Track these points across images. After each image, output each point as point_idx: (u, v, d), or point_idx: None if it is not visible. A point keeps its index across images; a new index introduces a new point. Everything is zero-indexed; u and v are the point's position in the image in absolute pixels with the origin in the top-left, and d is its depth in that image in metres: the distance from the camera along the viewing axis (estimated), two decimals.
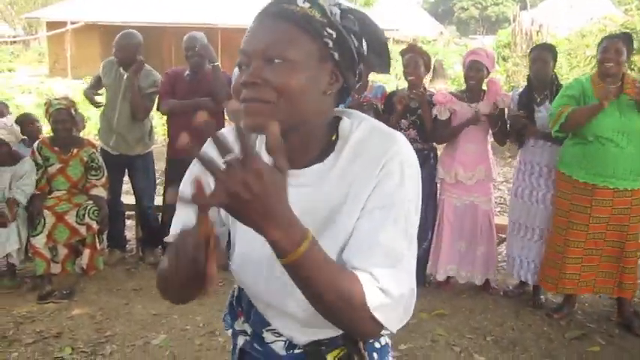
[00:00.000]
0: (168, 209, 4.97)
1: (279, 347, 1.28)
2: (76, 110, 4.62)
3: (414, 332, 3.89)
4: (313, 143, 1.19)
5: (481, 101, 4.42)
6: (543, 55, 4.34)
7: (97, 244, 4.52)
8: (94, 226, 4.45)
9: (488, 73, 4.50)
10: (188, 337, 3.81)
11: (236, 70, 1.18)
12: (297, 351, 1.27)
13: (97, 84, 5.13)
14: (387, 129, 1.21)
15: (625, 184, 3.83)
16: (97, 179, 4.62)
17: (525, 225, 4.37)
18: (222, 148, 0.88)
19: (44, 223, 4.34)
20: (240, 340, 1.36)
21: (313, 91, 1.13)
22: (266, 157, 1.03)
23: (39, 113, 10.67)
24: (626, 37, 3.93)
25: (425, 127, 4.51)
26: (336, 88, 1.17)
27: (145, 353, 3.62)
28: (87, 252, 4.48)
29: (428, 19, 41.38)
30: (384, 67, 1.24)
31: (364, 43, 1.19)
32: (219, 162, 0.88)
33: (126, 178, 5.26)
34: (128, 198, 5.37)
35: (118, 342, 3.74)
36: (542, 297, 4.43)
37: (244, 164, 0.87)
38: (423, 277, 4.65)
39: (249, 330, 1.34)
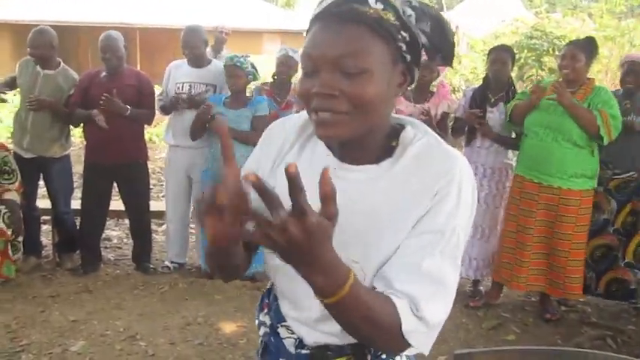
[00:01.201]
0: (86, 215, 4.88)
1: (289, 344, 1.29)
2: None
3: None
4: (372, 144, 1.17)
5: (427, 103, 4.46)
6: (502, 56, 4.39)
7: (10, 252, 4.35)
8: (8, 232, 4.29)
9: (438, 74, 4.57)
10: (108, 343, 3.73)
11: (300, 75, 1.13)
12: (304, 351, 1.27)
13: (11, 83, 4.94)
14: (450, 148, 1.18)
15: (550, 181, 3.91)
16: (9, 183, 4.45)
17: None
18: (271, 201, 0.84)
19: None
20: (262, 331, 1.38)
21: (386, 96, 1.11)
22: (323, 150, 1.14)
23: None
24: (586, 43, 3.98)
25: None
26: (404, 88, 1.16)
27: None
28: None
29: None
30: (450, 63, 1.23)
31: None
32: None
33: (41, 182, 5.09)
34: (44, 202, 5.20)
35: (34, 351, 3.62)
36: (481, 288, 4.57)
37: (296, 222, 0.84)
38: None
39: (268, 322, 1.35)
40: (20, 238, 4.49)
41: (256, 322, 1.42)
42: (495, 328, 4.07)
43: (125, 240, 5.76)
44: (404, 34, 1.09)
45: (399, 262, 1.09)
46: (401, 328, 1.04)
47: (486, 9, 24.50)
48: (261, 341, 1.39)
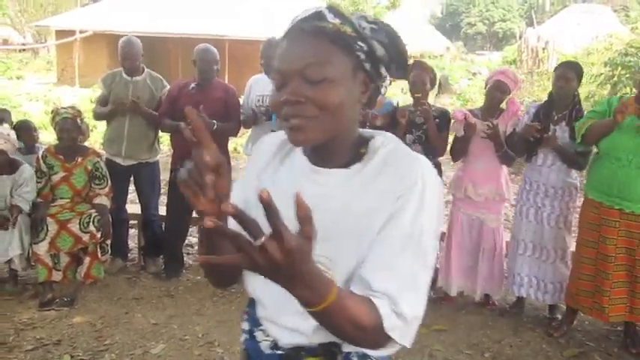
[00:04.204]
0: (171, 222, 5.04)
1: (265, 346, 1.37)
2: (82, 119, 4.66)
3: (412, 347, 3.89)
4: (342, 150, 1.27)
5: (496, 119, 4.40)
6: (568, 73, 4.22)
7: (99, 253, 4.54)
8: (98, 235, 4.47)
9: (509, 93, 4.52)
10: (187, 347, 3.83)
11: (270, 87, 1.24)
12: (278, 352, 1.34)
13: (104, 100, 5.11)
14: (415, 153, 1.27)
15: (632, 207, 3.74)
16: (100, 188, 4.65)
17: (533, 244, 4.32)
18: (250, 227, 0.90)
19: (47, 231, 4.37)
20: (243, 338, 1.46)
21: (350, 103, 1.21)
22: (299, 155, 1.22)
23: (46, 121, 10.73)
24: None
25: (430, 142, 4.52)
26: (367, 96, 1.25)
27: None
28: (87, 260, 4.50)
29: (435, 34, 41.46)
30: (403, 74, 1.30)
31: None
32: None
33: (131, 188, 5.30)
34: (131, 207, 5.40)
35: (117, 351, 3.76)
36: (558, 316, 4.42)
37: (275, 245, 0.90)
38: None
39: (247, 328, 1.43)
40: (108, 241, 4.66)
41: (241, 332, 1.49)
42: (577, 356, 3.91)
43: None
44: (361, 44, 1.19)
45: (374, 264, 1.17)
46: (383, 326, 1.12)
47: (579, 24, 23.77)
48: (243, 349, 1.46)
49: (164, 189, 5.76)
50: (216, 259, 0.98)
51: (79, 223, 4.45)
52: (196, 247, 5.91)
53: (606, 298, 3.87)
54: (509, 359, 3.83)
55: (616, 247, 3.82)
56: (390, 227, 1.18)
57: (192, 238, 6.01)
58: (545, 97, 4.50)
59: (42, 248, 4.37)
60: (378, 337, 1.13)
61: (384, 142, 1.28)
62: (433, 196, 1.21)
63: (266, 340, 1.36)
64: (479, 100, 12.93)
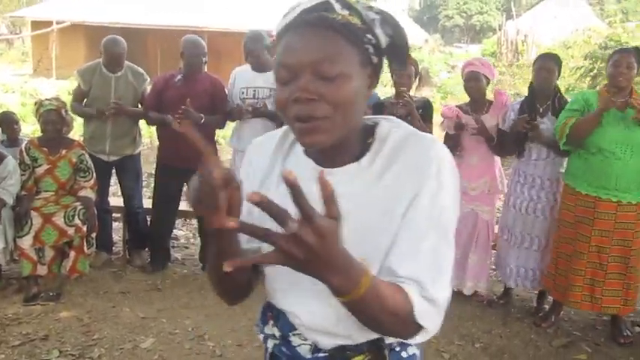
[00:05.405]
0: (157, 215, 4.97)
1: (304, 350, 1.30)
2: (66, 111, 4.57)
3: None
4: (349, 145, 1.20)
5: (486, 113, 4.42)
6: (548, 64, 4.24)
7: (85, 247, 4.47)
8: (83, 228, 4.41)
9: (489, 81, 4.51)
10: (177, 342, 3.79)
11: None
12: (321, 354, 1.28)
13: (81, 95, 4.99)
14: (426, 134, 1.23)
15: (629, 198, 3.79)
16: (85, 181, 4.57)
17: (522, 234, 4.34)
18: (278, 215, 0.86)
19: (31, 224, 4.29)
20: (270, 344, 1.37)
21: (361, 99, 1.14)
22: (302, 157, 1.17)
23: (23, 112, 10.57)
24: (636, 51, 3.88)
25: None
26: (372, 90, 1.20)
27: (134, 357, 3.60)
28: (72, 254, 4.43)
29: (413, 27, 41.47)
30: (403, 67, 1.27)
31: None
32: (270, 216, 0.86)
33: (113, 180, 5.22)
34: (115, 200, 5.34)
35: (106, 345, 3.71)
36: (545, 306, 4.44)
37: (307, 230, 0.86)
38: None
39: (277, 334, 1.35)
40: (93, 235, 4.60)
41: (261, 336, 1.41)
42: (566, 346, 3.94)
43: (192, 240, 5.85)
44: (370, 37, 1.13)
45: (398, 251, 1.13)
46: (413, 311, 1.08)
47: (556, 17, 23.99)
48: (270, 353, 1.39)
49: (146, 181, 5.71)
50: (246, 261, 0.94)
51: (64, 216, 4.38)
52: (182, 240, 5.87)
53: (599, 288, 3.90)
54: (499, 349, 3.86)
55: (611, 239, 3.85)
56: (411, 212, 1.14)
57: (177, 231, 5.95)
58: (526, 90, 4.50)
59: (26, 242, 4.29)
60: (408, 323, 1.10)
61: (392, 128, 1.23)
62: (449, 173, 1.17)
63: (305, 344, 1.29)
64: (459, 93, 12.99)
